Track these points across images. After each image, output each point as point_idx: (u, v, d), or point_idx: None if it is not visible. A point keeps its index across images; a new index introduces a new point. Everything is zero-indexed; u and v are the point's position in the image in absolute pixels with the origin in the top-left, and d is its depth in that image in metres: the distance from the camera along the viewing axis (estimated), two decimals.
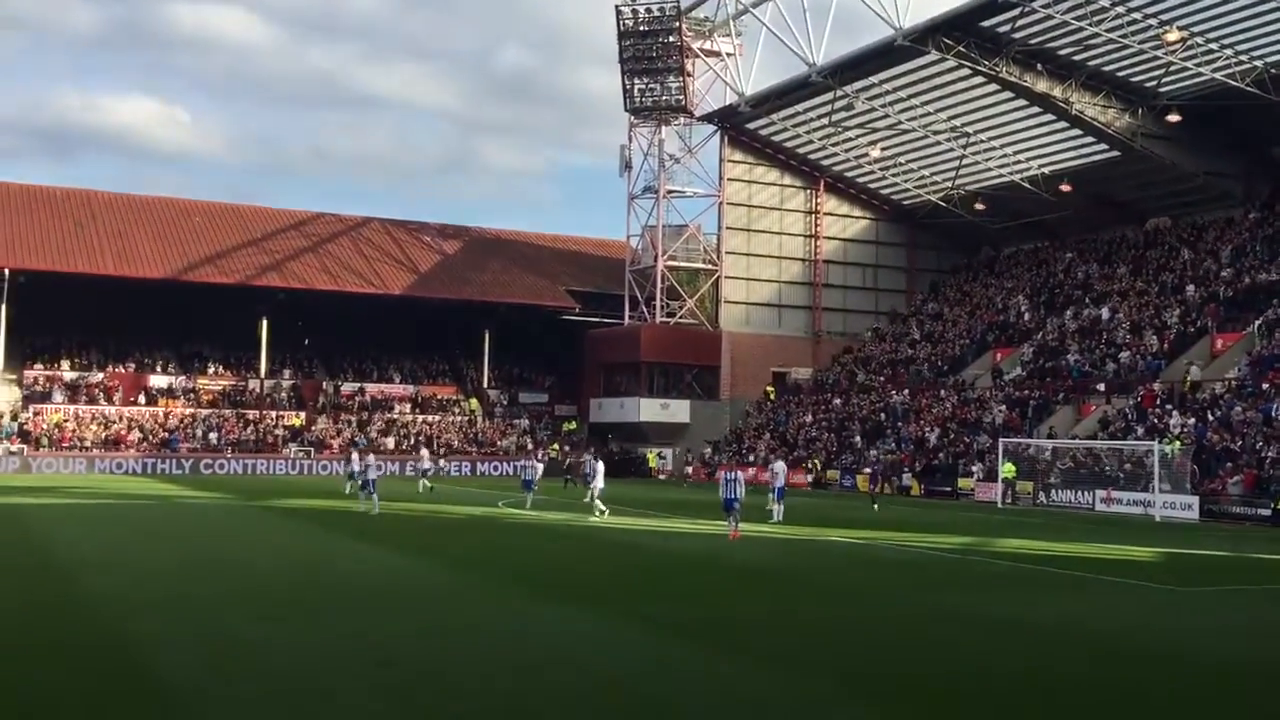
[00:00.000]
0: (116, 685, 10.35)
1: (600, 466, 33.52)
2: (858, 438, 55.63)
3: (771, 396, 66.05)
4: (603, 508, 31.12)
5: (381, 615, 14.32)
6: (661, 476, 61.90)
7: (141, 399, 63.09)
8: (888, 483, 46.39)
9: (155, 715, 9.35)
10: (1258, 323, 45.45)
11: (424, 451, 48.57)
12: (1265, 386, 41.11)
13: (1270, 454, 37.46)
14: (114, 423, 60.48)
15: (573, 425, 70.03)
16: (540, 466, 35.01)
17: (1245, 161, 55.71)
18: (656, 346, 64.87)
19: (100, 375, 63.74)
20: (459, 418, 68.54)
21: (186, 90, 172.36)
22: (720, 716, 9.62)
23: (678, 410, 64.93)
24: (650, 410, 64.36)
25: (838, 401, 61.21)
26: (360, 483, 31.12)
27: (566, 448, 63.59)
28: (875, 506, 37.23)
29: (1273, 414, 39.10)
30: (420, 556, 21.09)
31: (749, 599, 16.88)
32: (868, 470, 41.26)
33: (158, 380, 64.83)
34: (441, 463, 58.96)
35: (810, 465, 54.64)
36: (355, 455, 34.39)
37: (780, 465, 34.00)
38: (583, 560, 21.63)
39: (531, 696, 10.17)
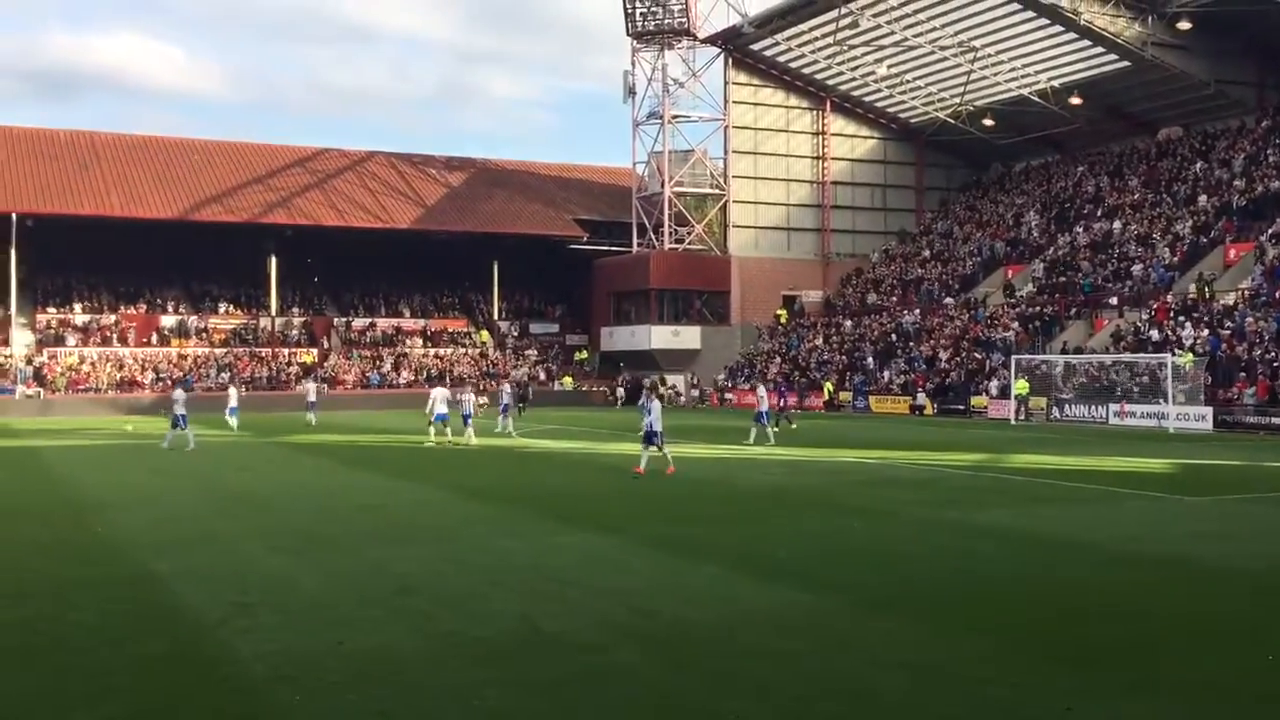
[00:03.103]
0: (145, 618, 10.53)
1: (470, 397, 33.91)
2: (870, 359, 55.66)
3: (783, 320, 65.99)
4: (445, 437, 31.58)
5: (399, 546, 14.48)
6: (681, 400, 62.28)
7: (154, 339, 63.35)
8: (795, 399, 45.03)
9: (184, 645, 9.51)
10: (1270, 231, 45.10)
11: (309, 385, 48.06)
12: (1279, 295, 40.90)
13: None
14: (128, 363, 60.78)
15: (584, 354, 70.16)
16: (472, 398, 34.16)
17: (1257, 68, 54.94)
18: (665, 273, 64.69)
19: (112, 317, 63.91)
20: (471, 350, 68.70)
21: (177, 27, 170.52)
22: (738, 634, 9.75)
23: (688, 337, 64.94)
24: (661, 337, 64.40)
25: (849, 324, 61.13)
26: (172, 420, 30.55)
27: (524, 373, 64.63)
28: (793, 426, 36.43)
29: None
30: (435, 488, 21.27)
31: (761, 519, 17.01)
32: (772, 387, 40.94)
33: (169, 320, 65.01)
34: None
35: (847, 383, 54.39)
36: (179, 394, 33.16)
37: (762, 390, 34.42)
38: (594, 487, 21.77)
39: (549, 619, 10.30)
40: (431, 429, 31.49)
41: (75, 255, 62.46)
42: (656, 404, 23.74)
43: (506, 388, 41.26)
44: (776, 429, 35.34)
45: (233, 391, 43.02)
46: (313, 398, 44.45)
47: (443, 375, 61.41)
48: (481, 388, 52.90)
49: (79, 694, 8.15)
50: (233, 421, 39.67)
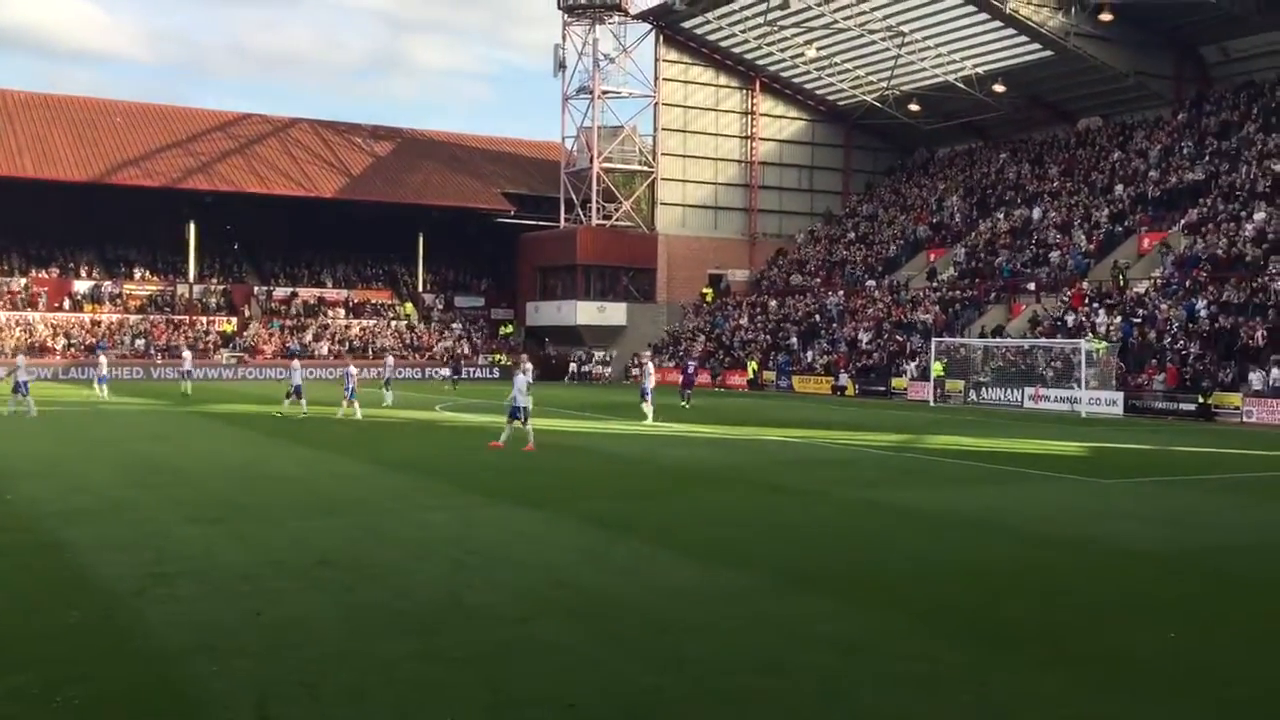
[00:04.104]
0: (57, 587, 10.31)
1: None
2: (793, 339, 56.14)
3: (709, 299, 66.28)
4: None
5: (320, 517, 14.35)
6: (604, 379, 62.30)
7: (66, 305, 61.79)
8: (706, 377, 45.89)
9: (98, 614, 9.33)
10: (1182, 222, 46.26)
11: (186, 354, 48.36)
12: (1189, 284, 42.02)
13: (1193, 350, 38.46)
14: (38, 329, 59.23)
15: (509, 329, 69.86)
16: (352, 371, 33.31)
17: (1175, 61, 56.15)
18: (593, 249, 64.54)
19: (22, 281, 62.19)
20: (395, 322, 68.02)
21: None
22: (657, 606, 9.82)
23: (614, 313, 64.94)
24: (587, 313, 64.31)
25: (773, 303, 61.59)
26: (13, 385, 30.73)
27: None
28: (688, 405, 36.98)
29: (1196, 311, 40.05)
30: (357, 460, 21.07)
31: (683, 496, 17.13)
32: (658, 364, 41.27)
33: (82, 286, 63.43)
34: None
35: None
36: (21, 359, 33.33)
37: (650, 366, 34.09)
38: (518, 462, 21.71)
39: (471, 591, 10.29)
40: (286, 400, 31.57)
41: None
42: (521, 378, 23.62)
43: (390, 360, 41.44)
44: (686, 405, 35.91)
45: (103, 360, 42.66)
46: (188, 366, 44.51)
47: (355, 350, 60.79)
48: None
49: None
50: (102, 390, 39.20)
